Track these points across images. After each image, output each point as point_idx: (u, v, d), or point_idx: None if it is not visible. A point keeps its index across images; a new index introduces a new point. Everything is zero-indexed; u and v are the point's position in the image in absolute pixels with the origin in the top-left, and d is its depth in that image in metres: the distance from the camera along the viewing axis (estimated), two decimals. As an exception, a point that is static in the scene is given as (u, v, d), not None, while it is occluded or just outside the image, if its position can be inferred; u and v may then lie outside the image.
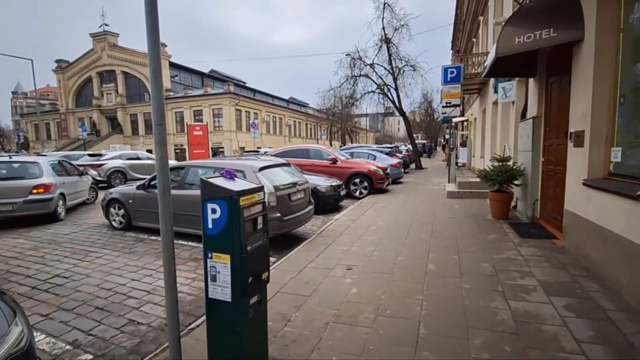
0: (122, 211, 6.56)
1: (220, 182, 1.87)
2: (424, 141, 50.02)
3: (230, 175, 1.98)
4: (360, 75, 20.67)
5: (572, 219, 4.38)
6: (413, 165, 21.55)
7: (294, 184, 5.74)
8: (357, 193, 10.23)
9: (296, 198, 5.72)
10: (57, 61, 45.63)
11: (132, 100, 42.16)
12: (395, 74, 19.66)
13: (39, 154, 20.96)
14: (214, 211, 1.81)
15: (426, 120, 49.64)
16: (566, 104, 4.73)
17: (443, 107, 11.78)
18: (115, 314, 3.45)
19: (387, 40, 19.37)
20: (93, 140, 40.32)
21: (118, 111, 42.26)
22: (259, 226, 1.97)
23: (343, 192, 8.73)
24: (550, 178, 5.59)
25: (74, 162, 15.59)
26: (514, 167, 6.47)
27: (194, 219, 5.64)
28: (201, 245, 5.37)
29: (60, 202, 7.40)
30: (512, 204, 7.01)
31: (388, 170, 11.27)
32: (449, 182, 11.46)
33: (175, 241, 5.69)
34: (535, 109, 6.04)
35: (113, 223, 6.75)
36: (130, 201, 6.40)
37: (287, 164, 6.40)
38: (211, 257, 1.89)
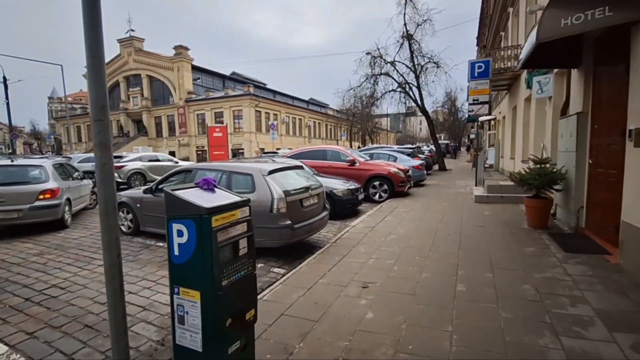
0: (130, 215, 6.34)
1: (190, 195, 1.45)
2: (447, 141, 48.43)
3: (209, 184, 1.56)
4: (381, 74, 19.99)
5: (632, 232, 3.69)
6: (436, 167, 20.65)
7: (307, 189, 5.30)
8: (377, 197, 9.67)
9: (309, 204, 5.27)
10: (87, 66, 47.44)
11: (156, 103, 43.18)
12: (418, 72, 18.86)
13: (65, 156, 21.57)
14: (180, 233, 1.39)
15: (450, 119, 48.04)
16: (621, 96, 4.04)
17: (470, 104, 11.01)
18: (103, 334, 3.11)
19: (408, 37, 18.61)
20: (120, 142, 41.48)
21: (143, 114, 43.37)
22: (242, 251, 1.54)
23: (361, 196, 8.21)
24: (599, 182, 4.86)
25: (91, 164, 15.89)
26: (554, 169, 5.75)
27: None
28: None
29: (67, 208, 7.09)
30: (552, 211, 6.27)
31: (410, 172, 10.63)
32: (476, 185, 10.68)
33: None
34: (580, 104, 5.31)
35: (122, 228, 6.54)
36: (138, 205, 6.17)
37: (300, 167, 5.97)
38: (178, 293, 1.47)
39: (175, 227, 1.39)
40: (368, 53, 19.89)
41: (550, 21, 3.96)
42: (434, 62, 18.70)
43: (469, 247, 4.88)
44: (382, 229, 6.13)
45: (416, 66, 18.84)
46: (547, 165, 5.89)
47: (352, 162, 9.95)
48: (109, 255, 1.42)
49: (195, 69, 41.95)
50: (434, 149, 25.73)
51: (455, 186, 12.47)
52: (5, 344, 2.99)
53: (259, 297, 3.60)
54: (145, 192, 6.10)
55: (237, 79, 48.94)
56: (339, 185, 7.77)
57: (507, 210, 7.51)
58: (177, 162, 17.65)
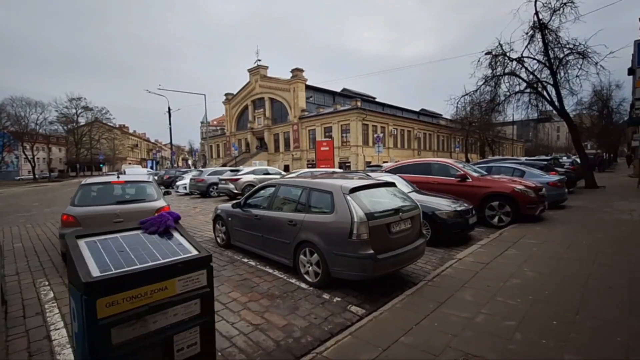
0: (224, 228, 6.50)
1: (99, 247, 0.88)
2: (597, 150, 38.81)
3: (159, 225, 1.00)
4: (504, 74, 17.06)
5: None
6: (582, 183, 16.34)
7: (397, 211, 4.38)
8: (495, 220, 7.84)
9: (398, 229, 4.33)
10: (225, 94, 56.14)
11: (275, 122, 47.67)
12: (555, 67, 15.38)
13: (198, 169, 25.24)
14: (74, 315, 0.83)
15: (600, 123, 38.33)
16: None
17: (636, 99, 8.09)
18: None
19: (541, 27, 15.39)
20: (245, 157, 47.09)
21: (265, 132, 48.42)
22: (185, 354, 0.86)
23: (473, 219, 6.68)
24: None
25: (221, 176, 17.85)
26: None
27: (280, 246, 4.97)
28: (286, 277, 4.41)
29: None
30: None
31: (543, 190, 8.36)
32: (651, 211, 7.68)
33: (261, 268, 5.11)
34: None
35: (217, 239, 6.79)
36: (230, 219, 6.27)
37: (391, 184, 5.08)
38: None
39: (72, 302, 0.84)
40: (488, 53, 17.29)
41: None
42: (578, 53, 14.91)
43: (649, 314, 3.15)
44: (501, 268, 4.66)
45: (552, 60, 15.41)
46: None
47: (463, 178, 8.38)
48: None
49: (308, 88, 44.83)
50: (576, 160, 20.69)
51: (613, 210, 9.33)
52: None
53: (321, 347, 2.90)
54: (234, 206, 6.15)
55: (346, 95, 50.19)
56: (443, 206, 6.48)
57: None
58: (284, 176, 18.54)
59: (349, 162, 37.36)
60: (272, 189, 5.53)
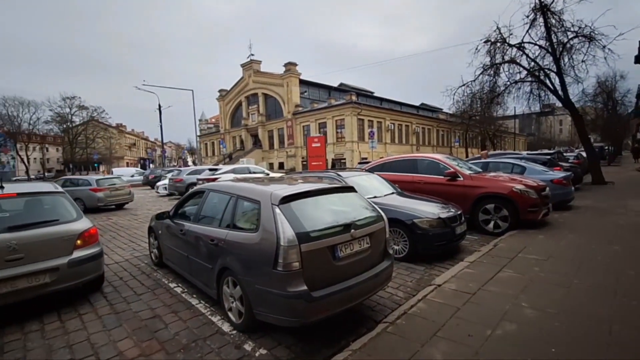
0: (157, 242, 5.34)
1: None
2: (601, 144, 37.36)
3: None
4: (504, 62, 15.74)
5: None
6: (589, 179, 15.08)
7: (347, 227, 3.19)
8: (491, 226, 6.65)
9: (349, 252, 3.15)
10: (220, 91, 54.76)
11: (269, 118, 46.37)
12: (558, 53, 14.08)
13: (177, 168, 24.03)
14: None
15: (604, 115, 36.77)
16: None
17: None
18: None
19: (543, 9, 14.10)
20: (239, 155, 45.88)
21: (259, 128, 47.14)
22: None
23: (462, 228, 5.47)
24: None
25: (198, 176, 16.72)
26: None
27: (203, 271, 3.79)
28: (208, 314, 3.04)
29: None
30: None
31: (547, 190, 7.15)
32: (675, 213, 6.46)
33: (184, 298, 3.74)
34: None
35: (151, 256, 5.62)
36: (160, 232, 5.11)
37: (347, 188, 3.89)
38: None
39: None
40: (487, 40, 15.91)
41: None
42: (584, 36, 13.58)
43: None
44: (490, 303, 3.45)
45: (555, 45, 14.10)
46: None
47: (453, 176, 7.17)
48: None
49: (302, 83, 43.49)
50: (581, 154, 19.42)
51: (627, 211, 8.10)
52: None
53: None
54: (158, 217, 4.98)
55: (343, 89, 48.78)
56: (426, 212, 5.26)
57: None
58: (267, 174, 17.36)
59: (344, 159, 36.15)
60: (200, 197, 4.35)
